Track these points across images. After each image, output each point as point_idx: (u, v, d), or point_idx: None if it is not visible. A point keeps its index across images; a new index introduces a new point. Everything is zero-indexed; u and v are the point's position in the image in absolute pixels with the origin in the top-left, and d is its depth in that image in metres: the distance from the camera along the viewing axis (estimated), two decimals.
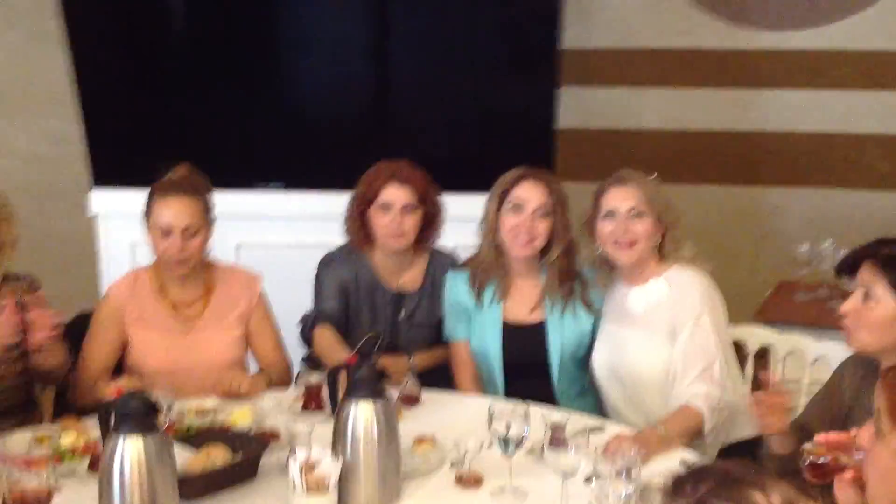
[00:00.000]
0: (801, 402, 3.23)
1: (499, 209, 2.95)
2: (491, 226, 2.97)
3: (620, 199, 2.81)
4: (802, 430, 2.34)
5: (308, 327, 3.12)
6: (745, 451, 2.73)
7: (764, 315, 3.57)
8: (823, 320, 3.25)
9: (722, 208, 5.44)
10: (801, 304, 3.43)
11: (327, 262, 3.17)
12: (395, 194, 3.04)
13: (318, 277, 3.16)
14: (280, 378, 2.93)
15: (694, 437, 2.62)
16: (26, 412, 2.86)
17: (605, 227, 2.83)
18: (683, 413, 2.63)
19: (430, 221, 3.12)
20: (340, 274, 3.13)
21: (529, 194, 2.93)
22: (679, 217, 2.88)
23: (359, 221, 3.11)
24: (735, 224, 5.41)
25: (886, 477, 1.52)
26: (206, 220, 2.85)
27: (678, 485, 1.22)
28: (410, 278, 3.17)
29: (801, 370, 3.01)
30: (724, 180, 5.42)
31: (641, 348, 2.81)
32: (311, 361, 3.15)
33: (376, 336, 2.66)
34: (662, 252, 2.87)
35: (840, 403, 2.31)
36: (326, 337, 3.04)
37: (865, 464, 1.56)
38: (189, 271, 2.84)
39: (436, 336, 3.15)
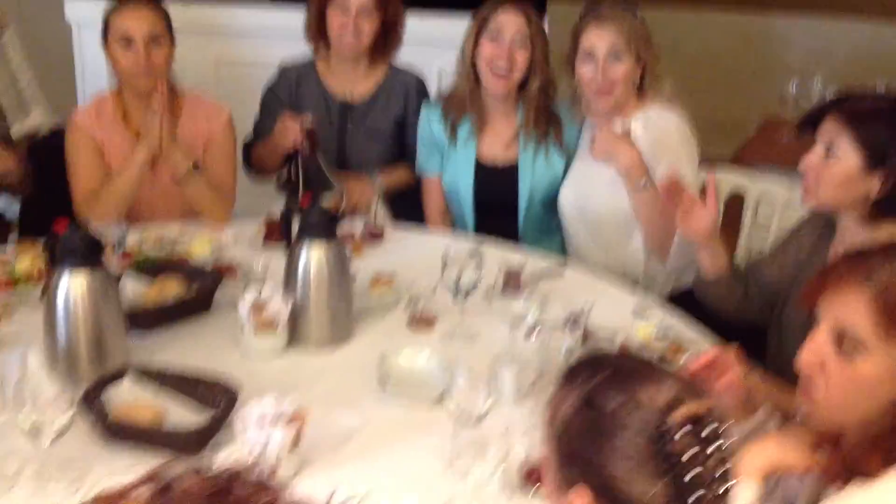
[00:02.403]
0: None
1: (477, 38, 2.84)
2: (468, 55, 2.87)
3: (599, 39, 2.70)
4: (755, 271, 2.36)
5: (247, 151, 3.13)
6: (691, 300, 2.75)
7: (744, 156, 3.50)
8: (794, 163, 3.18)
9: (725, 36, 5.28)
10: (784, 146, 3.33)
11: (276, 75, 3.15)
12: None
13: (263, 92, 3.16)
14: (220, 208, 2.85)
15: (662, 221, 2.60)
16: None
17: (583, 70, 2.73)
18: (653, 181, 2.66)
19: (387, 30, 3.04)
20: (284, 85, 3.11)
21: (509, 22, 2.81)
22: (658, 54, 2.77)
23: (316, 24, 3.04)
24: (736, 54, 5.27)
25: (853, 390, 1.43)
26: (167, 32, 2.74)
27: (574, 371, 1.22)
28: (363, 89, 3.10)
29: (770, 217, 2.97)
30: (728, 6, 5.24)
31: (610, 186, 2.75)
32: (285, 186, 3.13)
33: (310, 129, 2.78)
34: (641, 91, 2.78)
35: (795, 257, 2.28)
36: (257, 147, 3.08)
37: (825, 381, 1.46)
38: (154, 86, 2.73)
39: (389, 151, 3.11)
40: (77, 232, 2.00)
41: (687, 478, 1.12)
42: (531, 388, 2.01)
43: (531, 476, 1.73)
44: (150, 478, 0.93)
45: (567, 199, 2.86)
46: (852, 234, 2.07)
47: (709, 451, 1.13)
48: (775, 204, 2.96)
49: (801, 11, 5.11)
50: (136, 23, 2.67)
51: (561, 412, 1.18)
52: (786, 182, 2.96)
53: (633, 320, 2.33)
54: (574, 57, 2.75)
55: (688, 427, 1.12)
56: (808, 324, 1.52)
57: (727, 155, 3.70)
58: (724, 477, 1.14)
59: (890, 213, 2.04)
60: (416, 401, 2.00)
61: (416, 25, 3.23)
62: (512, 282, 2.24)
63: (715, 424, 1.14)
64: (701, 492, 1.12)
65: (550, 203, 2.90)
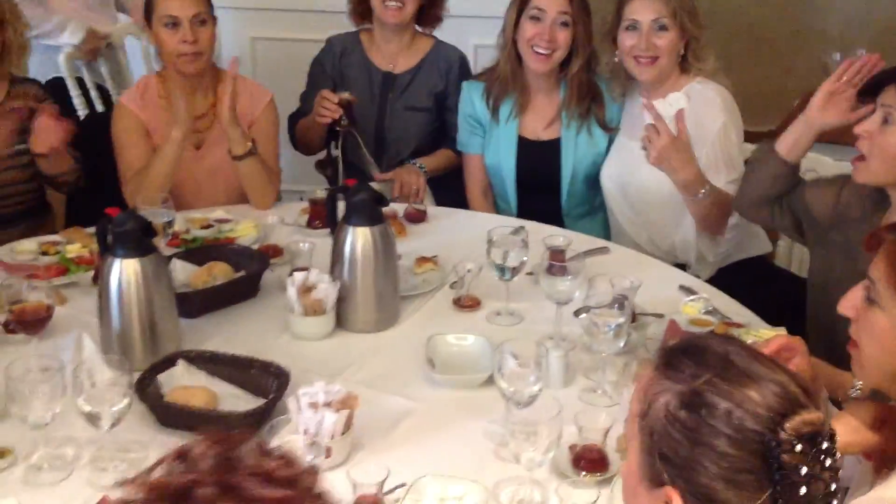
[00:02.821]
0: None
1: (518, 18, 2.83)
2: (509, 35, 2.85)
3: (644, 9, 2.68)
4: (800, 196, 2.32)
5: (291, 124, 3.15)
6: (747, 270, 2.73)
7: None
8: (846, 137, 3.13)
9: (762, 6, 5.20)
10: None
11: (323, 47, 3.17)
12: None
13: (311, 65, 3.17)
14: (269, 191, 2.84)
15: (718, 214, 2.60)
16: (39, 217, 2.89)
17: (626, 40, 2.71)
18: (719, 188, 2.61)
19: (430, 1, 3.04)
20: (328, 58, 3.13)
21: (550, 1, 2.79)
22: (703, 27, 2.74)
23: None
24: (774, 24, 5.18)
25: (887, 345, 1.48)
26: (210, 11, 2.75)
27: (675, 361, 1.14)
28: (406, 62, 3.11)
29: None
30: None
31: None
32: (323, 167, 3.15)
33: (348, 101, 2.82)
34: (685, 64, 2.75)
35: (836, 201, 2.23)
36: (300, 122, 3.10)
37: (859, 329, 1.53)
38: (204, 68, 2.75)
39: (428, 125, 3.12)
40: (129, 217, 2.03)
41: (795, 492, 1.05)
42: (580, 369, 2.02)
43: (581, 461, 1.74)
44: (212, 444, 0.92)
45: (609, 176, 2.85)
46: None
47: (821, 467, 1.06)
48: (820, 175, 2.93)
49: None
50: (182, 3, 2.67)
51: (657, 406, 1.11)
52: (830, 154, 2.92)
53: (680, 298, 2.32)
54: (617, 28, 2.73)
55: (802, 439, 1.06)
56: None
57: (770, 128, 3.66)
58: (832, 497, 1.08)
59: None
60: (464, 383, 2.01)
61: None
62: (557, 261, 2.23)
63: (828, 438, 1.07)
64: None
65: (593, 181, 2.89)
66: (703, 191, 2.55)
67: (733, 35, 4.97)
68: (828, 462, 1.07)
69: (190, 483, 0.87)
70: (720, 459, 1.07)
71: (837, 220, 2.22)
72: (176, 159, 2.66)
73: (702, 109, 2.69)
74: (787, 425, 1.06)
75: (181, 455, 0.91)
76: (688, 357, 1.13)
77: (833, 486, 1.07)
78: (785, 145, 2.30)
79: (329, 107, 2.87)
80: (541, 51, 2.79)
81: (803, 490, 1.05)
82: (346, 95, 2.89)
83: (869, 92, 2.11)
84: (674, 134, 2.50)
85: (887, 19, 4.92)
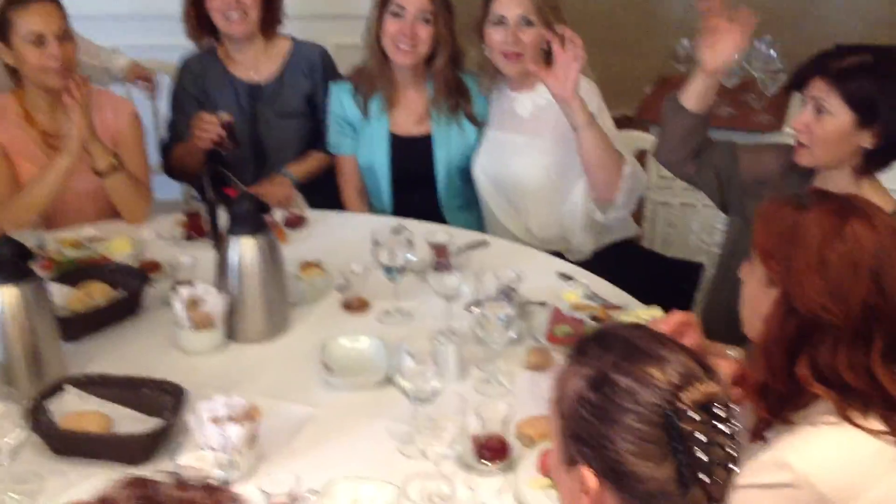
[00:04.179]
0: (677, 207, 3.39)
1: (381, 15, 2.85)
2: (373, 33, 2.87)
3: (510, 4, 2.75)
4: (727, 147, 2.39)
5: (165, 154, 3.08)
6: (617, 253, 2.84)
7: (645, 113, 3.61)
8: (737, 122, 3.32)
9: None
10: None
11: (179, 70, 3.10)
12: None
13: (171, 90, 3.11)
14: (140, 205, 2.78)
15: (611, 168, 2.64)
16: None
17: (494, 35, 2.77)
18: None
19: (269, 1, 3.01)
20: (188, 79, 3.07)
21: None
22: (565, 22, 2.83)
23: (194, 14, 3.01)
24: (620, 10, 5.38)
25: (751, 302, 1.62)
26: (69, 26, 2.67)
27: (583, 348, 1.22)
28: (268, 69, 3.08)
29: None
30: None
31: (526, 152, 2.81)
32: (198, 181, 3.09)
33: (227, 121, 2.78)
34: (551, 59, 2.83)
35: (762, 169, 2.33)
36: (175, 150, 3.04)
37: (742, 291, 1.66)
38: (66, 83, 2.65)
39: (304, 129, 3.10)
40: (3, 242, 1.95)
41: (696, 459, 1.12)
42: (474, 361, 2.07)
43: (483, 450, 1.78)
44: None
45: (482, 169, 2.90)
46: (837, 186, 2.09)
47: (718, 433, 1.13)
48: None
49: None
50: (46, 19, 2.58)
51: (568, 390, 1.19)
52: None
53: (560, 286, 2.40)
54: (483, 23, 2.79)
55: (698, 408, 1.13)
56: None
57: (625, 113, 3.81)
58: (732, 461, 1.15)
59: (881, 164, 2.12)
60: (362, 384, 2.03)
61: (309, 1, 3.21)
62: (441, 257, 2.27)
63: (725, 407, 1.15)
64: (707, 474, 1.13)
65: (467, 174, 2.94)
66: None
67: (585, 23, 5.14)
68: (724, 428, 1.14)
69: None
70: (626, 433, 1.14)
71: (760, 186, 2.30)
72: (59, 187, 2.58)
73: None
74: (684, 396, 1.13)
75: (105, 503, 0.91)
76: (595, 343, 1.21)
77: (732, 451, 1.15)
78: (689, 97, 2.37)
79: (210, 129, 2.82)
80: (403, 46, 2.83)
81: (702, 455, 1.12)
82: (224, 116, 2.83)
83: (795, 86, 2.21)
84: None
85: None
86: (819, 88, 2.09)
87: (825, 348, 1.45)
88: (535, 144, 2.81)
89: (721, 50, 2.31)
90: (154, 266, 2.45)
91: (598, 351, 1.19)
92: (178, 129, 3.07)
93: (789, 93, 2.24)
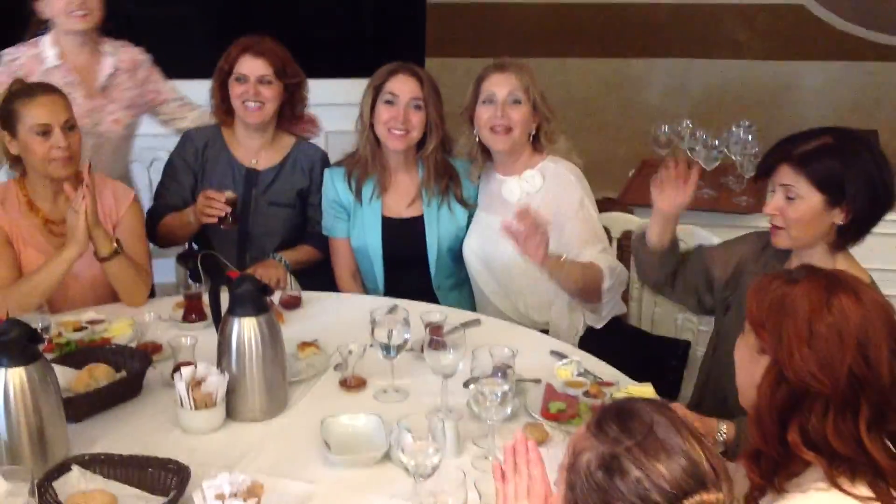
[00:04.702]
0: None
1: (374, 104, 2.96)
2: (366, 120, 2.98)
3: (500, 84, 2.88)
4: (698, 255, 2.53)
5: (152, 223, 3.14)
6: (605, 331, 2.91)
7: (628, 196, 3.72)
8: (718, 205, 3.44)
9: (589, 81, 5.55)
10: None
11: (182, 141, 3.21)
12: (251, 65, 3.04)
13: (171, 159, 3.21)
14: (140, 289, 2.84)
15: (591, 288, 2.75)
16: None
17: (483, 113, 2.89)
18: (586, 263, 2.76)
19: (290, 95, 3.13)
20: (190, 151, 3.17)
21: (402, 86, 2.95)
22: (554, 111, 2.95)
23: (219, 95, 3.12)
24: (601, 96, 5.55)
25: (744, 370, 1.68)
26: (73, 116, 2.75)
27: (604, 423, 1.28)
28: (268, 157, 3.18)
29: None
30: (590, 53, 5.51)
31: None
32: (185, 260, 3.15)
33: (232, 198, 2.87)
34: (537, 144, 2.95)
35: (737, 260, 2.43)
36: (167, 219, 3.12)
37: (736, 359, 1.72)
38: (75, 170, 2.72)
39: (290, 221, 3.17)
40: (13, 325, 2.00)
41: None
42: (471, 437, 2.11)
43: None
44: None
45: (471, 250, 2.99)
46: (813, 262, 2.14)
47: None
48: None
49: (657, 54, 5.44)
50: (53, 109, 2.68)
51: (580, 462, 1.25)
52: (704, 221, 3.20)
53: (553, 363, 2.46)
54: (475, 105, 2.91)
55: None
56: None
57: (608, 195, 3.92)
58: None
59: (855, 238, 2.22)
60: (361, 461, 2.07)
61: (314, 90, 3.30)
62: (436, 336, 2.32)
63: None
64: None
65: (458, 254, 3.03)
66: (560, 259, 2.68)
67: (567, 107, 5.31)
68: None
69: None
70: None
71: (739, 274, 2.41)
72: (63, 276, 2.65)
73: (558, 187, 2.88)
74: (686, 503, 1.20)
75: None
76: (617, 420, 1.27)
77: None
78: (651, 236, 2.51)
79: (217, 206, 2.91)
80: (397, 131, 2.93)
81: None
82: (230, 194, 2.93)
83: (763, 174, 2.31)
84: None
85: (700, 92, 5.34)
86: (786, 175, 2.19)
87: (815, 416, 1.51)
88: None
89: (671, 197, 2.45)
90: (154, 347, 2.50)
91: (618, 431, 1.25)
92: (166, 197, 3.15)
93: (757, 181, 2.35)
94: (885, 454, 1.50)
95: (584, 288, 2.75)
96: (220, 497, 1.78)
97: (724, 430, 2.08)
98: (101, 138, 3.25)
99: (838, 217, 2.17)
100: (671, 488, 1.20)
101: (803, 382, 1.52)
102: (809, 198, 2.17)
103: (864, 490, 1.50)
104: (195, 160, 3.16)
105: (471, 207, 3.02)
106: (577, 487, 1.24)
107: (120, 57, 3.28)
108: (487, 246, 2.96)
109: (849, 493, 1.49)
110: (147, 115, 3.43)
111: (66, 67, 3.19)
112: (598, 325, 2.90)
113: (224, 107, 3.12)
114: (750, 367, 1.64)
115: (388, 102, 2.94)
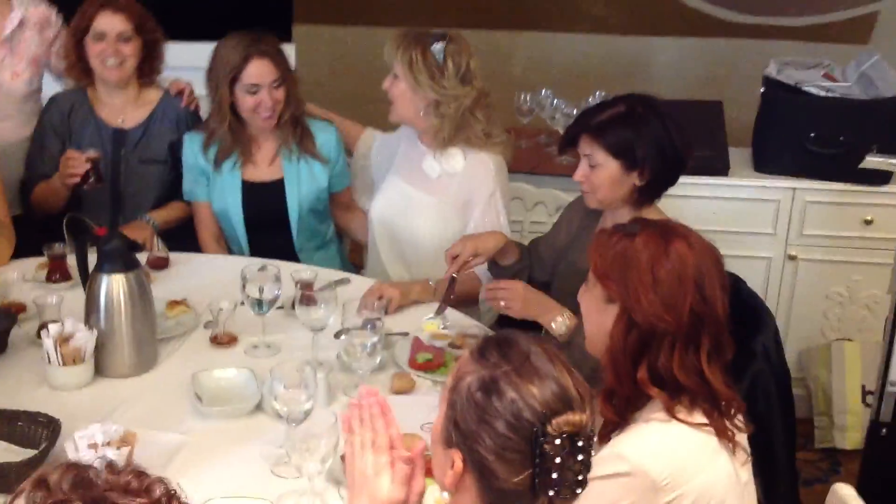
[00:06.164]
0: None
1: (231, 91, 2.92)
2: (226, 109, 2.93)
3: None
4: (534, 250, 2.68)
5: (24, 189, 3.08)
6: None
7: None
8: (543, 167, 3.55)
9: None
10: (524, 151, 3.67)
11: (47, 106, 3.14)
12: (109, 21, 2.99)
13: (37, 126, 3.14)
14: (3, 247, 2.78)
15: (468, 300, 2.78)
16: None
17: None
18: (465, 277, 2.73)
19: (150, 50, 3.09)
20: (56, 115, 3.10)
21: (260, 71, 2.89)
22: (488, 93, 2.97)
23: (75, 54, 3.05)
24: None
25: (593, 319, 1.82)
26: None
27: (485, 349, 1.38)
28: (135, 115, 3.13)
29: (522, 214, 3.30)
30: (457, 24, 5.59)
31: (428, 213, 2.88)
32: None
33: (93, 157, 2.84)
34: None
35: (565, 237, 2.61)
36: (37, 189, 3.06)
37: (582, 311, 1.86)
38: None
39: (165, 177, 3.14)
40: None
41: (549, 476, 1.30)
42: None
43: None
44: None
45: (377, 212, 2.96)
46: (620, 217, 2.31)
47: (574, 461, 1.30)
48: (525, 201, 3.29)
49: (521, 27, 5.56)
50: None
51: (462, 384, 1.35)
52: (532, 184, 3.31)
53: (420, 317, 2.55)
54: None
55: (563, 435, 1.30)
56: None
57: None
58: (579, 485, 1.32)
59: (654, 196, 2.42)
60: (233, 413, 2.11)
61: (175, 52, 3.28)
62: (307, 293, 2.38)
63: (586, 439, 1.32)
64: (556, 492, 1.30)
65: (320, 214, 3.06)
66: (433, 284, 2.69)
67: None
68: (580, 457, 1.32)
69: (59, 503, 0.97)
70: (496, 437, 1.32)
71: (562, 251, 2.58)
72: None
73: (476, 172, 2.85)
74: (555, 421, 1.30)
75: (40, 483, 1.00)
76: (497, 348, 1.37)
77: (581, 476, 1.33)
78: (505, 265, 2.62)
79: (77, 165, 2.86)
80: (265, 114, 2.93)
81: (555, 475, 1.31)
82: (91, 153, 2.88)
83: (567, 144, 2.47)
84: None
85: (564, 62, 5.51)
86: (586, 145, 2.38)
87: (663, 354, 1.66)
88: (439, 208, 2.87)
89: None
90: (19, 307, 2.47)
91: (498, 357, 1.35)
92: (36, 165, 3.09)
93: (564, 152, 2.53)
94: (722, 383, 1.67)
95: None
96: (93, 446, 1.81)
97: (564, 319, 2.32)
98: (1, 90, 3.16)
99: (637, 179, 2.36)
100: (542, 408, 1.30)
101: (651, 325, 1.66)
102: (607, 165, 2.35)
103: (699, 418, 1.66)
104: (61, 124, 3.09)
105: (326, 162, 3.03)
106: (457, 406, 1.35)
107: (30, 10, 3.18)
108: (396, 213, 2.93)
109: (684, 422, 1.65)
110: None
111: None
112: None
113: (81, 65, 3.05)
114: (598, 317, 1.78)
115: (252, 92, 2.90)
